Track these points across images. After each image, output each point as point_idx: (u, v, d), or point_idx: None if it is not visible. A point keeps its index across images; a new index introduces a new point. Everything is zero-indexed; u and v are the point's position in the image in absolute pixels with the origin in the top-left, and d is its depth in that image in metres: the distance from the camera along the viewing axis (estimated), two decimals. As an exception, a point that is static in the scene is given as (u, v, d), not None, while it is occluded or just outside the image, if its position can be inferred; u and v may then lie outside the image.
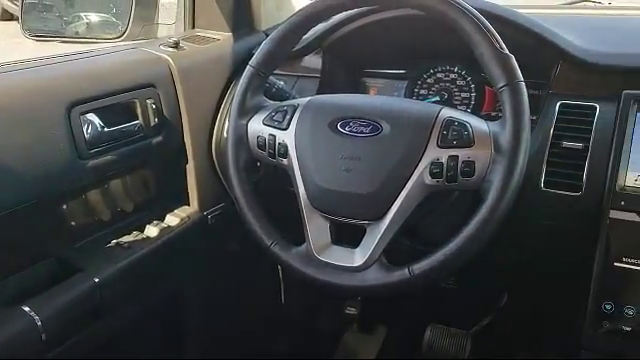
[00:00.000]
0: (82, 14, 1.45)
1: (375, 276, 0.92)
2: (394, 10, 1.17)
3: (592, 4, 1.50)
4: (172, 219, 1.22)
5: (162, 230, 1.18)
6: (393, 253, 0.93)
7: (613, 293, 0.94)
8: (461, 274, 1.36)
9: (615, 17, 1.43)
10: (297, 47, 1.13)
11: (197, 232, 1.26)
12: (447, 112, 0.92)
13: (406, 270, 0.90)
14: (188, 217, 1.24)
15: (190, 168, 1.25)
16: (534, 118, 1.03)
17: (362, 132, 0.94)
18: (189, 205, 1.28)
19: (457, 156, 0.88)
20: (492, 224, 0.85)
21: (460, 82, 1.27)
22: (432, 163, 0.89)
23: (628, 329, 0.93)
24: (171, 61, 1.20)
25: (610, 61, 1.06)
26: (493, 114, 1.24)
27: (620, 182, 0.95)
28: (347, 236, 0.96)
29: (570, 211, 1.00)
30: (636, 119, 0.96)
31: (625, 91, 0.98)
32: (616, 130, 0.97)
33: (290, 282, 1.64)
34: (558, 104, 1.05)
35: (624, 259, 0.93)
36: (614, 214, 0.94)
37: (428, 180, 0.89)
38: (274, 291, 1.66)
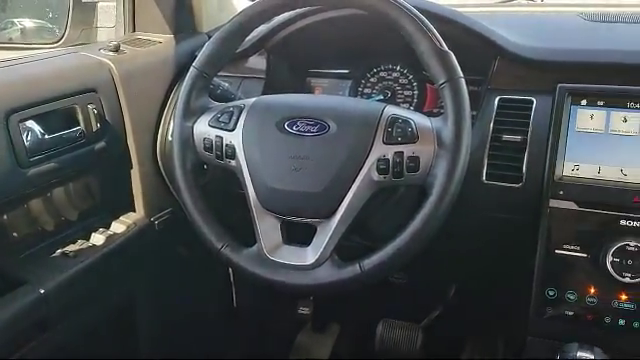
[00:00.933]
0: (15, 20, 1.41)
1: (327, 273, 0.93)
2: (337, 10, 1.18)
3: (525, 2, 1.56)
4: (118, 226, 1.20)
5: (108, 238, 1.16)
6: (344, 250, 0.94)
7: (555, 279, 0.98)
8: (410, 268, 1.38)
9: (548, 14, 1.49)
10: (241, 48, 1.13)
11: (144, 238, 1.24)
12: (391, 110, 0.94)
13: (357, 266, 0.91)
14: (134, 223, 1.22)
15: (135, 173, 1.23)
16: (474, 113, 1.05)
17: (309, 131, 0.95)
18: (135, 211, 1.26)
19: (402, 152, 0.90)
20: (438, 217, 0.87)
21: (403, 80, 1.30)
22: (379, 160, 0.90)
23: (570, 313, 0.98)
24: (112, 65, 1.18)
25: (545, 56, 1.10)
26: (435, 111, 1.27)
27: (558, 172, 0.99)
28: (298, 235, 0.97)
29: (512, 202, 1.03)
30: (570, 111, 1.00)
31: (559, 84, 1.02)
32: (552, 122, 1.01)
33: (242, 285, 1.63)
34: (497, 99, 1.09)
35: (564, 246, 0.97)
36: (553, 203, 0.98)
37: (375, 176, 0.91)
38: (226, 295, 1.65)
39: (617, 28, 1.24)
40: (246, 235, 0.99)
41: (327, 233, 0.93)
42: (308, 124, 0.95)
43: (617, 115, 0.98)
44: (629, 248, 0.92)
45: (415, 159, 0.89)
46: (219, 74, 1.08)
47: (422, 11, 0.92)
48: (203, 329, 1.58)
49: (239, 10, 1.02)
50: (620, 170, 0.96)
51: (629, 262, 0.92)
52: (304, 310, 1.65)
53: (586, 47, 1.13)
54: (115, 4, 1.41)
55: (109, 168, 1.21)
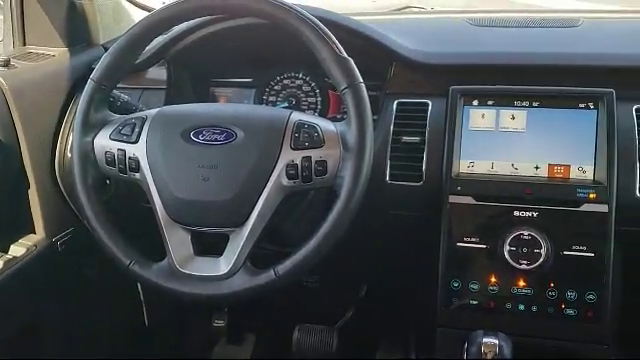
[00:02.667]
0: None
1: (242, 281, 0.93)
2: (237, 19, 1.18)
3: (417, 9, 1.63)
4: (17, 249, 1.14)
5: (6, 262, 1.10)
6: (259, 258, 0.95)
7: (459, 271, 1.03)
8: (322, 271, 1.41)
9: (438, 20, 1.56)
10: (140, 59, 1.11)
11: (46, 260, 1.18)
12: (297, 116, 0.96)
13: (272, 272, 0.92)
14: (35, 245, 1.16)
15: (33, 192, 1.17)
16: (375, 118, 1.09)
17: (216, 140, 0.94)
18: (35, 232, 1.20)
19: (310, 157, 0.91)
20: (347, 217, 0.89)
21: (306, 88, 1.32)
22: (287, 165, 0.92)
23: (475, 302, 1.03)
24: (2, 80, 1.12)
25: (437, 61, 1.16)
26: (339, 117, 1.30)
27: (455, 170, 1.04)
28: (210, 246, 0.96)
29: (414, 200, 1.08)
30: (463, 111, 1.06)
31: (452, 87, 1.08)
32: (447, 123, 1.07)
33: (152, 302, 1.59)
34: (395, 103, 1.13)
35: (465, 239, 1.03)
36: (452, 199, 1.03)
37: (285, 182, 0.92)
38: (137, 313, 1.60)
39: (502, 32, 1.32)
40: (155, 249, 0.97)
41: (239, 241, 0.93)
42: (214, 133, 0.95)
43: (505, 113, 1.05)
44: (523, 237, 0.99)
45: (323, 163, 0.91)
46: (119, 86, 1.05)
47: (321, 19, 0.94)
48: (114, 351, 1.52)
49: (136, 21, 1.01)
50: (511, 165, 1.03)
51: (524, 250, 0.99)
52: (219, 322, 1.63)
53: (475, 50, 1.21)
54: (2, 17, 1.34)
55: (4, 188, 1.14)
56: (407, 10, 1.63)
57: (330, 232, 0.89)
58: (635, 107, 1.04)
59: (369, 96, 0.93)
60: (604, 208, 0.98)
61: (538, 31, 1.30)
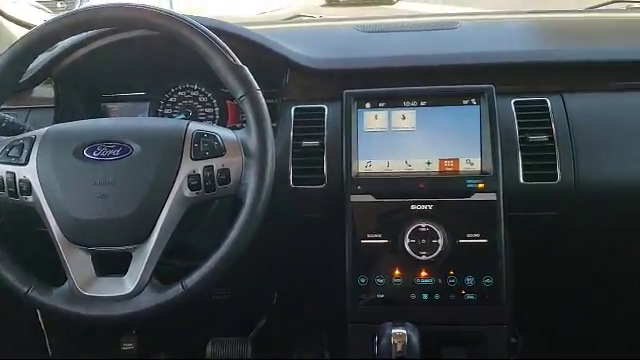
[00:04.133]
0: None
1: (149, 299, 0.91)
2: (128, 32, 1.16)
3: (307, 17, 1.67)
4: None
5: None
6: (167, 274, 0.93)
7: (364, 267, 1.07)
8: (232, 282, 1.40)
9: (328, 28, 1.61)
10: (24, 78, 1.06)
11: None
12: (195, 126, 0.95)
13: (179, 286, 0.91)
14: None
15: None
16: (274, 125, 1.11)
17: (112, 155, 0.92)
18: None
19: (212, 166, 0.91)
20: (253, 224, 0.90)
21: (202, 99, 1.32)
22: (189, 176, 0.91)
23: (382, 296, 1.06)
24: None
25: (330, 66, 1.20)
26: (238, 126, 1.31)
27: (354, 170, 1.08)
28: (113, 265, 0.93)
29: (318, 202, 1.10)
30: (358, 114, 1.10)
31: (345, 91, 1.12)
32: (343, 126, 1.10)
33: (54, 330, 1.51)
34: (292, 109, 1.16)
35: (368, 235, 1.06)
36: (354, 198, 1.07)
37: (188, 193, 0.91)
38: (38, 344, 1.51)
39: (389, 37, 1.38)
40: (56, 274, 0.93)
41: (144, 258, 0.91)
42: (109, 148, 0.93)
43: (396, 114, 1.09)
44: (421, 229, 1.04)
45: (225, 171, 0.91)
46: (3, 107, 1.00)
47: (213, 29, 0.95)
48: None
49: (17, 38, 0.96)
50: (405, 162, 1.08)
51: (423, 241, 1.04)
52: (127, 345, 1.58)
53: (365, 55, 1.26)
54: None
55: None
56: (297, 19, 1.67)
57: (237, 240, 0.90)
58: (514, 100, 1.12)
59: (267, 104, 0.94)
60: (493, 196, 1.05)
61: (421, 34, 1.37)
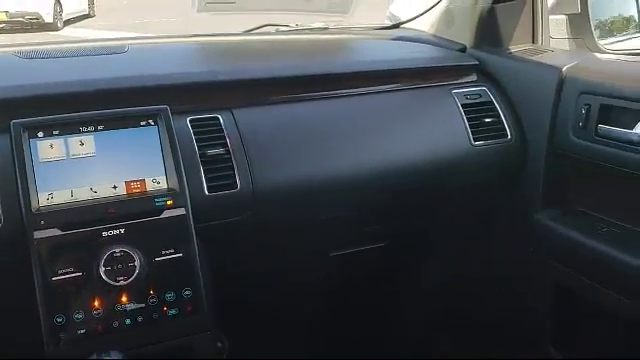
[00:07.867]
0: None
1: None
2: None
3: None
4: None
5: None
6: None
7: (60, 305, 1.01)
8: None
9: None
10: None
11: None
12: None
13: None
14: None
15: None
16: None
17: None
18: None
19: None
20: None
21: None
22: None
23: (83, 331, 1.02)
24: None
25: None
26: None
27: (35, 204, 1.01)
28: None
29: None
30: (30, 144, 1.04)
31: (12, 121, 1.04)
32: (15, 159, 1.02)
33: None
34: None
35: (59, 272, 1.01)
36: (38, 234, 1.00)
37: None
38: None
39: (56, 63, 1.31)
40: None
41: None
42: None
43: (73, 140, 1.06)
44: (116, 255, 1.03)
45: None
46: None
47: None
48: None
49: None
50: (90, 189, 1.06)
51: (119, 266, 1.03)
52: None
53: (32, 82, 1.18)
54: None
55: None
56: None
57: None
58: (189, 118, 1.19)
59: None
60: (182, 211, 1.09)
61: (90, 59, 1.34)
